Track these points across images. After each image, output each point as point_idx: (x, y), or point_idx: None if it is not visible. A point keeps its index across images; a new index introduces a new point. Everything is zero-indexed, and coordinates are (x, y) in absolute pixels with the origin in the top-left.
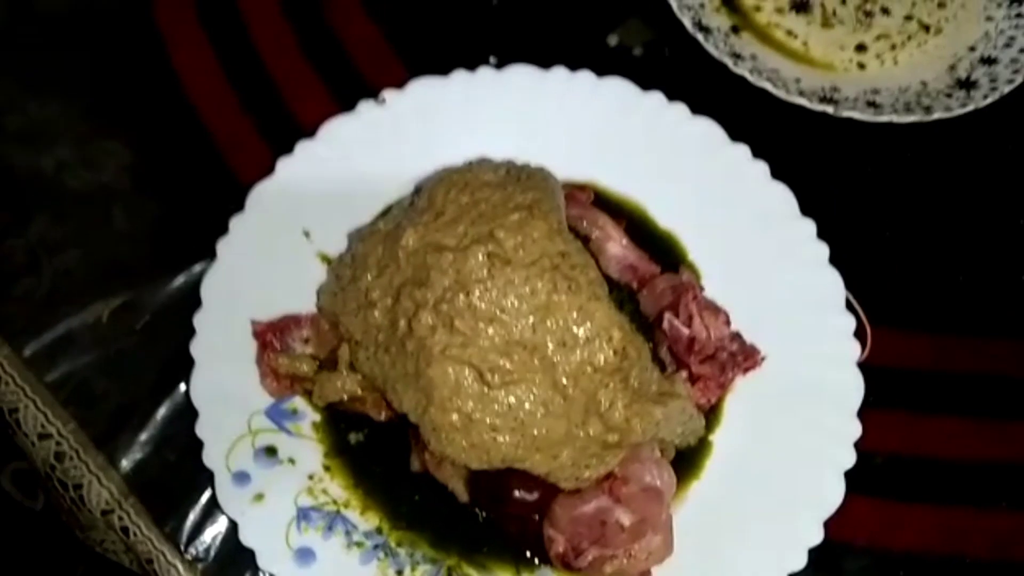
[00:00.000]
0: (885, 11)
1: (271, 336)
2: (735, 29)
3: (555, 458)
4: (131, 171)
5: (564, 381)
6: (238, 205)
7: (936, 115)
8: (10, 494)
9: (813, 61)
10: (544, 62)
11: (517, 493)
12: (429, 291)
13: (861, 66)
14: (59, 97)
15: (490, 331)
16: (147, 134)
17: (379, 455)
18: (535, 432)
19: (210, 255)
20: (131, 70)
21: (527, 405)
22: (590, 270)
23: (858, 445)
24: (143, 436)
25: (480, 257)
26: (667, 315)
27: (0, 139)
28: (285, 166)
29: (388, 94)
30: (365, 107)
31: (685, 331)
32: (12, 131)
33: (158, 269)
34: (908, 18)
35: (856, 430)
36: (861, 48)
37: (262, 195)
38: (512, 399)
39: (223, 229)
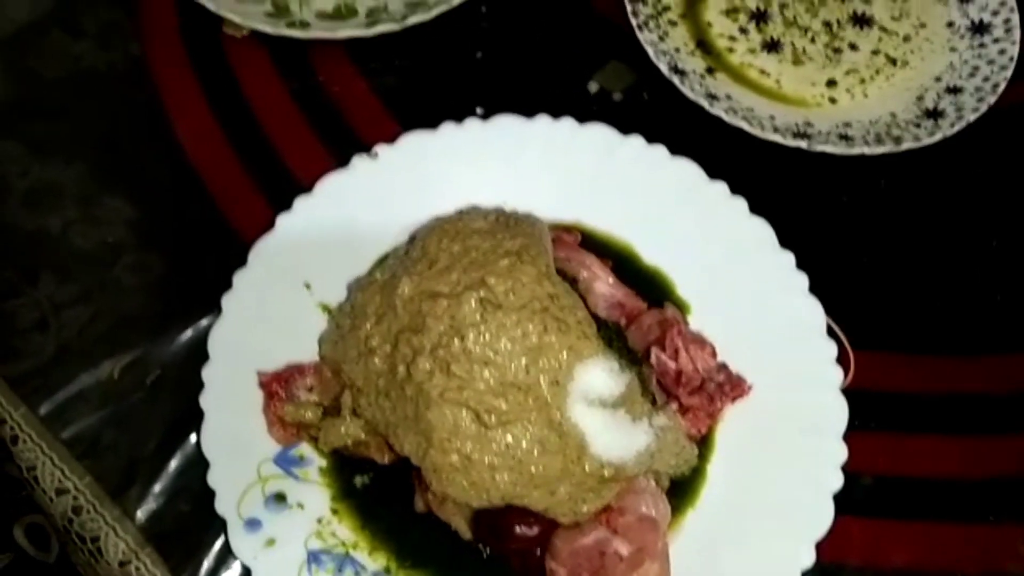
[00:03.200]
0: (853, 47)
1: (276, 386)
2: (710, 70)
3: (553, 494)
4: (136, 229)
5: (558, 419)
6: (241, 260)
7: (906, 145)
8: (23, 548)
9: (786, 98)
10: (528, 110)
11: (518, 529)
12: (425, 337)
13: (832, 100)
14: (64, 159)
15: (485, 373)
16: (150, 194)
17: (384, 497)
18: (532, 470)
19: (215, 309)
20: (133, 134)
21: (524, 444)
22: (578, 310)
23: (845, 467)
24: (157, 487)
25: (473, 303)
26: (654, 350)
27: (7, 200)
28: (284, 221)
29: (380, 148)
30: (359, 161)
31: (672, 364)
32: (19, 192)
33: (165, 325)
34: (875, 52)
35: (842, 453)
36: (832, 83)
37: (263, 250)
38: (509, 438)
39: (227, 284)
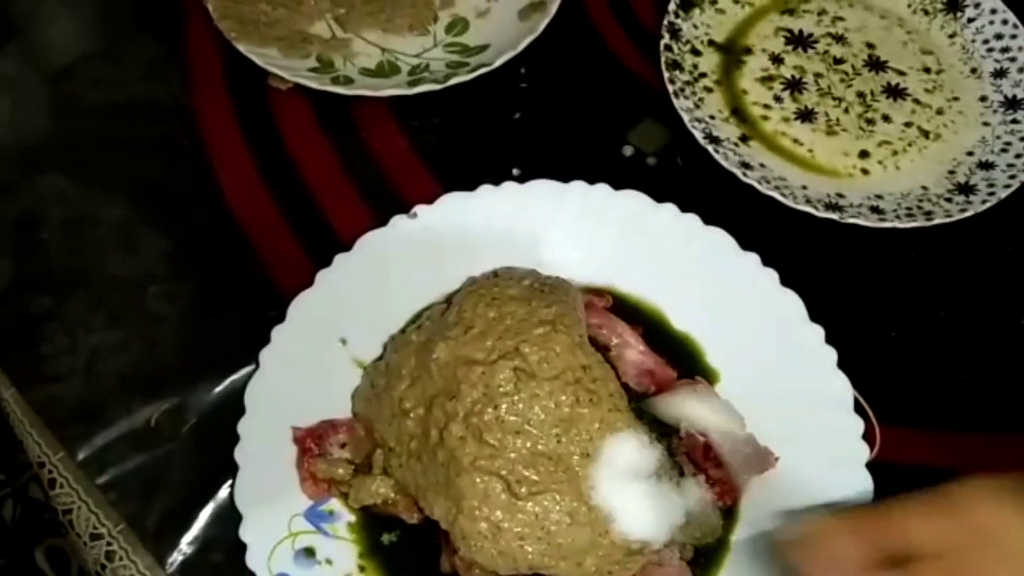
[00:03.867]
0: (886, 118)
1: (310, 441)
2: (744, 138)
3: (580, 565)
4: (175, 279)
5: (588, 491)
6: (279, 314)
7: (937, 220)
8: (44, 572)
9: (819, 167)
10: (564, 171)
11: None
12: (459, 403)
13: (865, 172)
14: (104, 198)
15: (517, 443)
16: (191, 243)
17: (411, 556)
18: (561, 541)
19: (252, 361)
20: (175, 175)
21: (553, 515)
22: (610, 382)
23: None
24: (189, 537)
25: (507, 372)
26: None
27: (48, 230)
28: (323, 277)
29: (419, 208)
30: (398, 221)
31: (701, 439)
32: (59, 223)
33: (203, 375)
34: (908, 124)
35: None
36: (864, 154)
37: (302, 306)
38: (539, 509)
39: (264, 337)
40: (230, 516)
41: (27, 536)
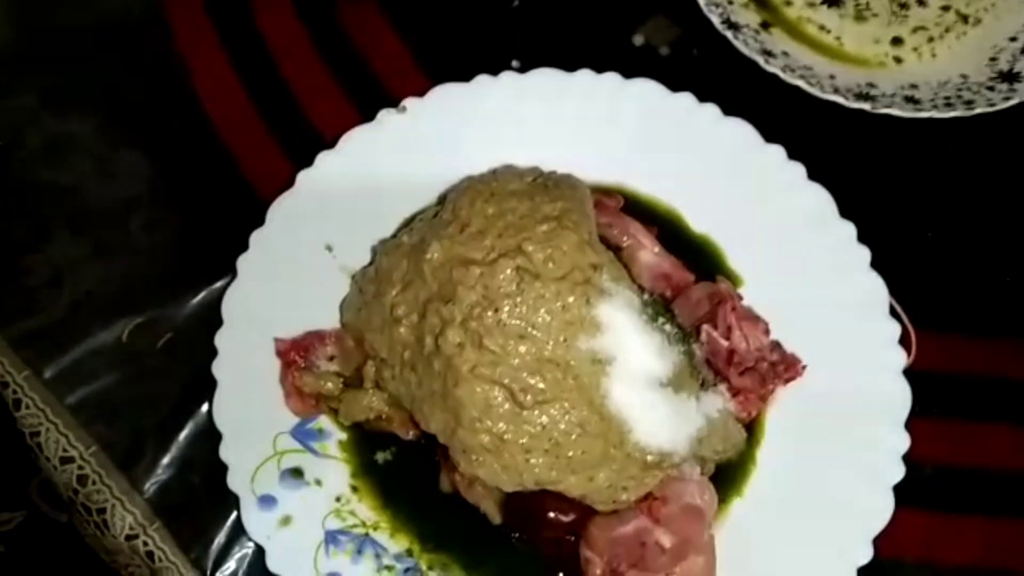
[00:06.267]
0: (921, 2)
1: (295, 354)
2: (765, 25)
3: (591, 480)
4: (150, 185)
5: (600, 400)
6: (258, 219)
7: (978, 110)
8: (38, 505)
9: (847, 56)
10: (568, 64)
11: (552, 515)
12: (456, 307)
13: (898, 60)
14: (78, 112)
15: (521, 349)
16: (165, 148)
17: (408, 474)
18: (570, 453)
19: (230, 271)
20: (149, 84)
21: (561, 425)
22: (623, 283)
23: (906, 456)
24: (166, 459)
25: (508, 272)
26: (705, 327)
27: (21, 154)
28: (305, 178)
29: (409, 102)
30: (386, 116)
31: (724, 343)
32: (32, 146)
33: (177, 286)
34: (945, 8)
35: (904, 442)
36: (897, 41)
37: (282, 209)
38: (545, 419)
39: (243, 244)
40: (209, 436)
41: (21, 471)
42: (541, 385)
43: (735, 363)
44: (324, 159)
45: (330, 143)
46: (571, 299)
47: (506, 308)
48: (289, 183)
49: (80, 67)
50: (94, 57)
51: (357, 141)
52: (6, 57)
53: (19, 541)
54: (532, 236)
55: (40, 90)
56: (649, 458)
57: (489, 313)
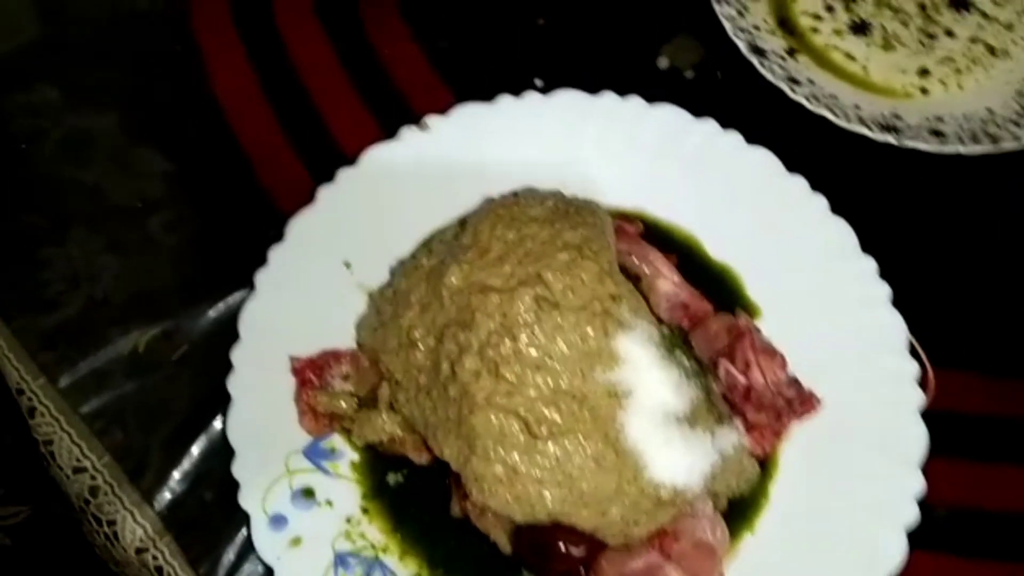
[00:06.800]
0: (949, 33)
1: (310, 372)
2: (791, 51)
3: (604, 514)
4: (169, 191)
5: (615, 434)
6: (277, 233)
7: (1005, 146)
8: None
9: (873, 86)
10: (592, 84)
11: (562, 547)
12: (473, 334)
13: (924, 91)
14: (97, 109)
15: (537, 379)
16: (186, 155)
17: (419, 498)
18: (584, 487)
19: (248, 284)
20: (171, 93)
21: (576, 459)
22: (642, 314)
23: (921, 498)
24: (178, 472)
25: (527, 300)
26: (723, 363)
27: (43, 149)
28: (326, 194)
29: (431, 119)
30: (408, 133)
31: (742, 380)
32: (54, 142)
33: (195, 296)
34: (973, 40)
35: (919, 484)
36: (924, 72)
37: (302, 225)
38: (560, 452)
39: (261, 256)
40: (223, 450)
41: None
42: (557, 417)
43: (752, 400)
44: (345, 175)
45: (349, 155)
46: (589, 330)
47: (524, 337)
48: (307, 192)
49: (102, 63)
50: (117, 53)
51: (378, 157)
52: (29, 51)
53: (26, 535)
54: (552, 264)
55: (63, 85)
56: (663, 494)
57: (507, 342)
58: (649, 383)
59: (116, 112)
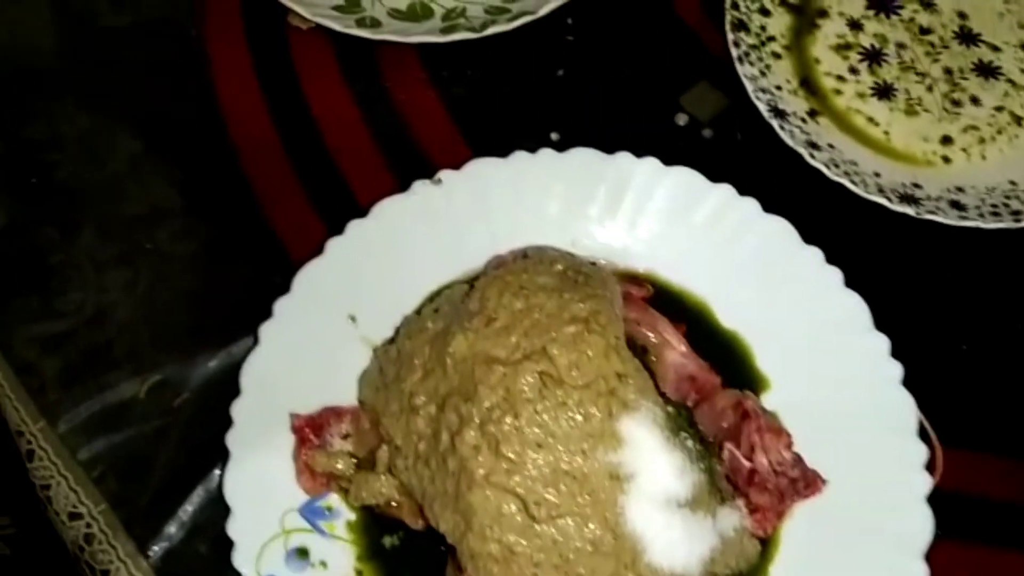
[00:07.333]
0: (975, 100)
1: (309, 431)
2: (812, 113)
3: None
4: (177, 243)
5: (615, 518)
6: (284, 282)
7: None
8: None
9: (894, 152)
10: (608, 138)
11: None
12: (475, 406)
13: (946, 160)
14: (111, 143)
15: (538, 459)
16: (197, 201)
17: (414, 563)
18: (581, 571)
19: (252, 332)
20: (182, 119)
21: (574, 542)
22: (648, 394)
23: None
24: (174, 524)
25: (532, 376)
26: (728, 446)
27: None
28: (334, 246)
29: (444, 174)
30: (420, 186)
31: (747, 464)
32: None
33: (198, 344)
34: (999, 109)
35: (923, 572)
36: (947, 140)
37: (309, 277)
38: (558, 534)
39: (267, 304)
40: (220, 502)
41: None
42: (555, 499)
43: (756, 483)
44: (355, 227)
45: (362, 205)
46: (594, 410)
47: (526, 414)
48: (315, 238)
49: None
50: (126, 113)
51: (389, 210)
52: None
53: (23, 545)
54: (558, 338)
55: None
56: None
57: (508, 418)
58: (652, 467)
59: (128, 144)
